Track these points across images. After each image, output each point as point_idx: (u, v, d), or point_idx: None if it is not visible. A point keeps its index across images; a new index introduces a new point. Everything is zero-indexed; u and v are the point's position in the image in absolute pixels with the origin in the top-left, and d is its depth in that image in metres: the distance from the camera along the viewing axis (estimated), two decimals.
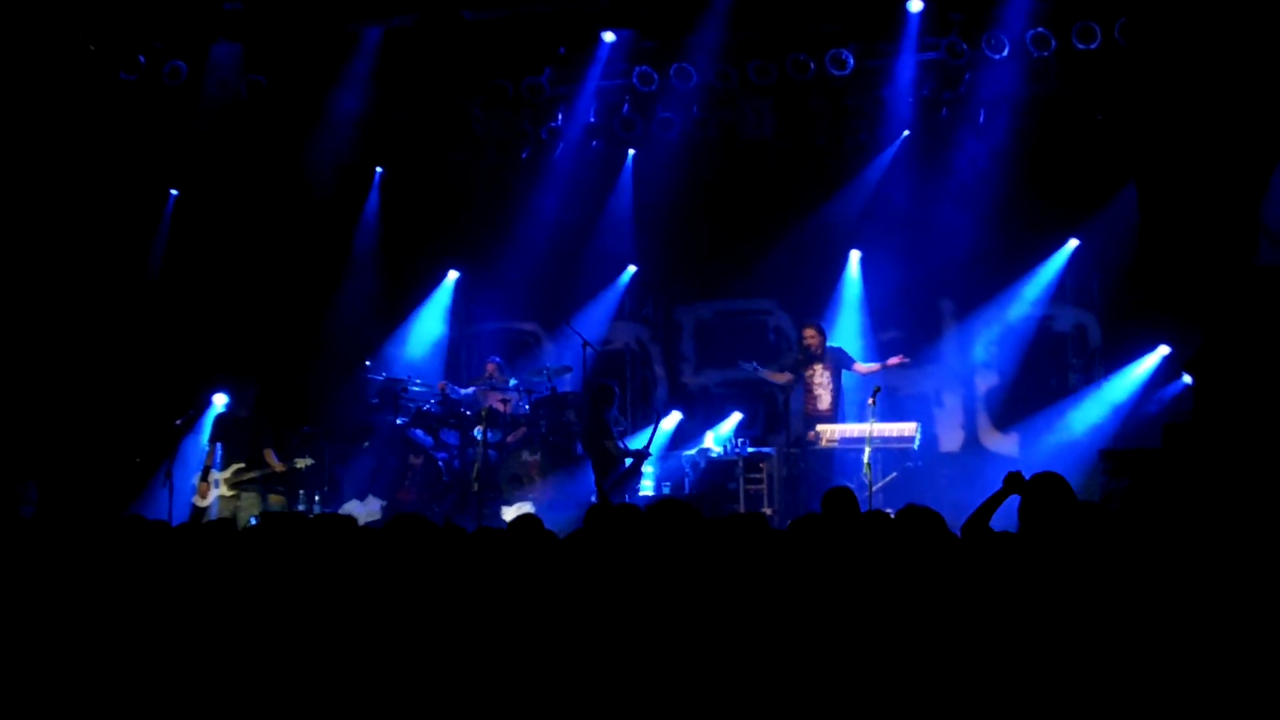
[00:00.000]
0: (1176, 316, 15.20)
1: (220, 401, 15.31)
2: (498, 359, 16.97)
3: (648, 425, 15.87)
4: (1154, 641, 5.17)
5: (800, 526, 6.85)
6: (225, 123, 17.30)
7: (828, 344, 15.55)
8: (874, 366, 15.57)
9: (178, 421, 14.98)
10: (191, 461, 14.86)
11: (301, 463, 14.43)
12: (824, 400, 15.39)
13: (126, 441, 16.07)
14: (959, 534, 6.78)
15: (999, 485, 7.22)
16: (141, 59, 16.69)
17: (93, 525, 7.73)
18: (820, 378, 15.44)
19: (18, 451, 15.83)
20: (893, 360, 15.27)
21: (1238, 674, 5.04)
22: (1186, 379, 15.36)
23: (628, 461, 14.82)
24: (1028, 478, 6.85)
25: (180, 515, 13.77)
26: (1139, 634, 5.21)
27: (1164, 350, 15.61)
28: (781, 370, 15.94)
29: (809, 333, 15.57)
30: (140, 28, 16.42)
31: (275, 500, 14.52)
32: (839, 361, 15.51)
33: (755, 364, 15.81)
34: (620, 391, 16.31)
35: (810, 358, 15.48)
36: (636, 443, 15.39)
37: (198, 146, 17.43)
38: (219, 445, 14.38)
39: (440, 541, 6.54)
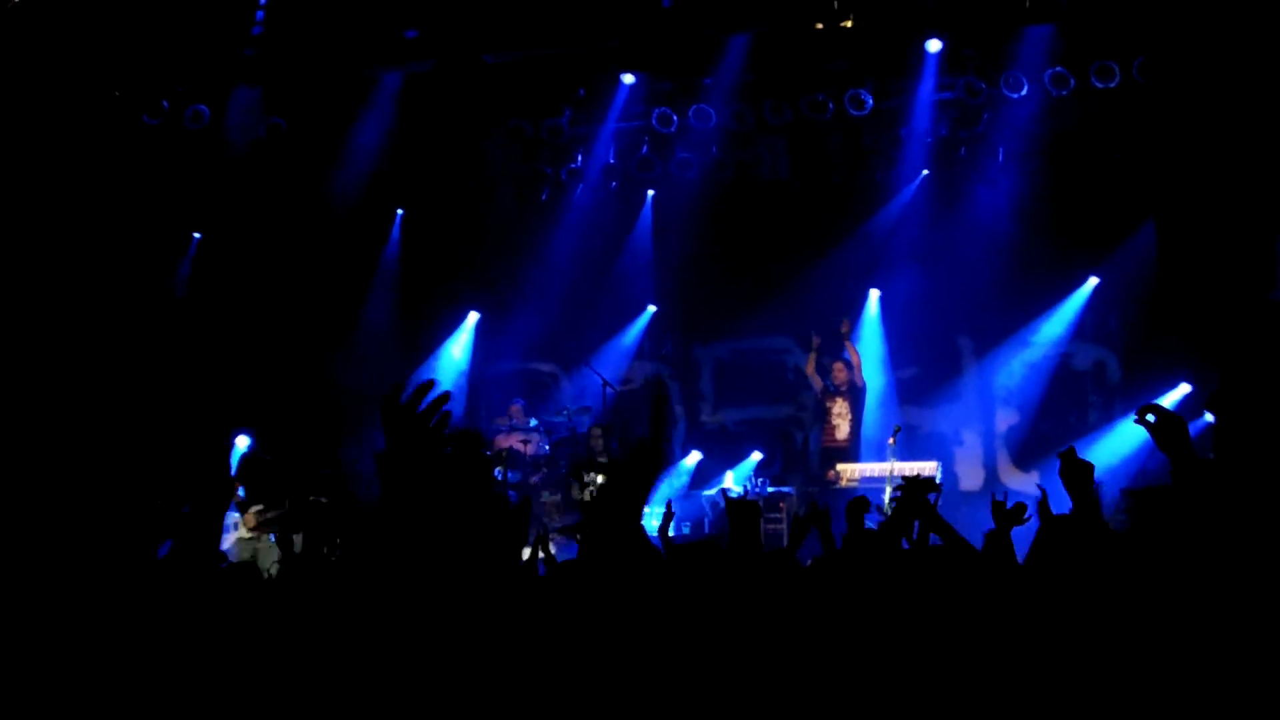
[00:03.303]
0: (1196, 353, 15.19)
1: (243, 444, 15.34)
2: (521, 401, 17.00)
3: (668, 465, 15.90)
4: (1177, 679, 5.15)
5: (822, 564, 6.85)
6: (246, 166, 17.39)
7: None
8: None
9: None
10: None
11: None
12: (842, 430, 15.44)
13: (149, 483, 16.09)
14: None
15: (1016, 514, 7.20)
16: (165, 104, 16.78)
17: (117, 566, 7.73)
18: (839, 408, 15.50)
19: (44, 502, 15.82)
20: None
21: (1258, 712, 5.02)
22: (1209, 417, 15.33)
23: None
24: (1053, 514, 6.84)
25: None
26: (1162, 670, 5.20)
27: (1185, 388, 15.57)
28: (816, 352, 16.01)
29: (838, 366, 15.66)
30: (163, 73, 16.52)
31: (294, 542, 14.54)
32: (856, 396, 15.61)
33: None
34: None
35: (834, 390, 15.57)
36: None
37: (219, 189, 17.50)
38: (240, 488, 14.40)
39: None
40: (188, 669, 6.07)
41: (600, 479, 14.93)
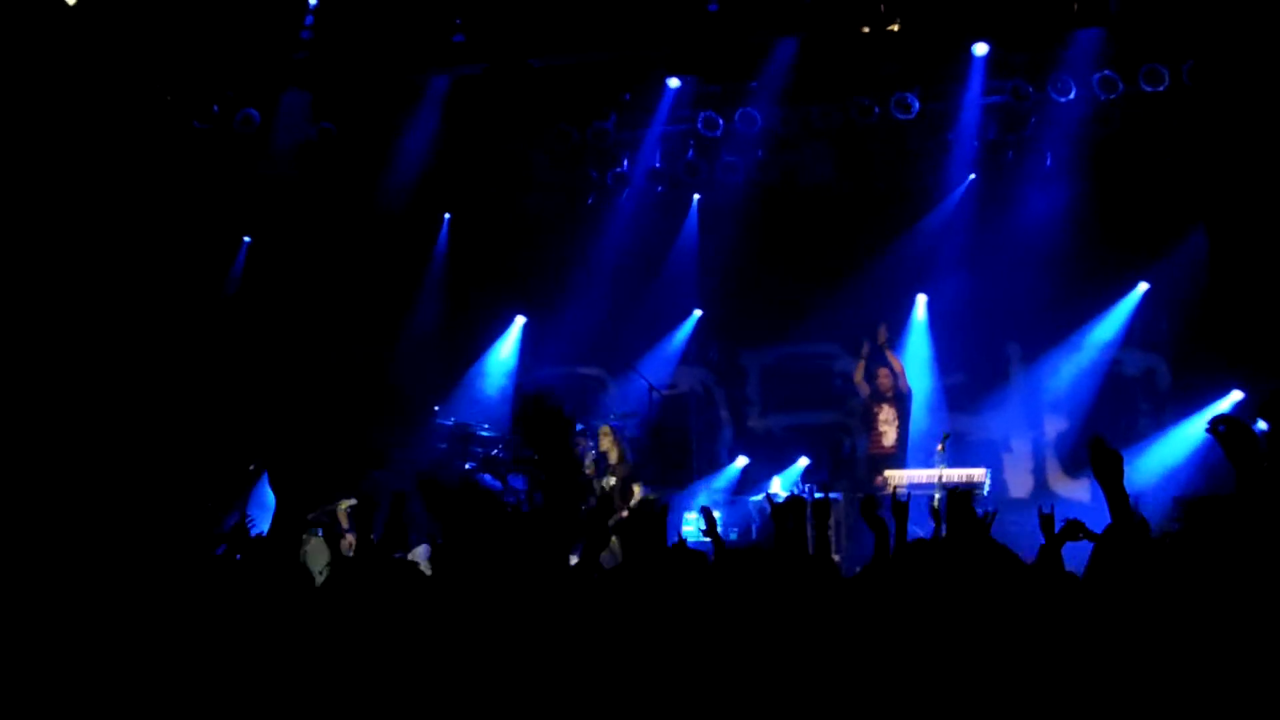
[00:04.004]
0: (1248, 360, 15.08)
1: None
2: (568, 406, 16.98)
3: (714, 470, 15.99)
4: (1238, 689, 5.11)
5: (870, 573, 6.82)
6: (295, 170, 17.46)
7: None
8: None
9: (251, 466, 15.07)
10: (263, 505, 14.93)
11: (345, 504, 14.47)
12: (889, 437, 15.44)
13: (201, 486, 16.14)
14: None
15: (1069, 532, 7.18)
16: (215, 108, 16.88)
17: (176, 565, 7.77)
18: (886, 414, 15.52)
19: (101, 501, 15.93)
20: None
21: None
22: (1262, 424, 15.19)
23: None
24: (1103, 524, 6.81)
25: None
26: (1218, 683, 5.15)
27: (1237, 395, 15.46)
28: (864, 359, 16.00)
29: (882, 373, 15.66)
30: (213, 77, 16.62)
31: (345, 544, 14.59)
32: (904, 403, 15.61)
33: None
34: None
35: (879, 397, 15.56)
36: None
37: (268, 193, 17.58)
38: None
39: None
40: (238, 667, 6.11)
41: (611, 481, 14.92)
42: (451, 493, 7.44)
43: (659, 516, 7.77)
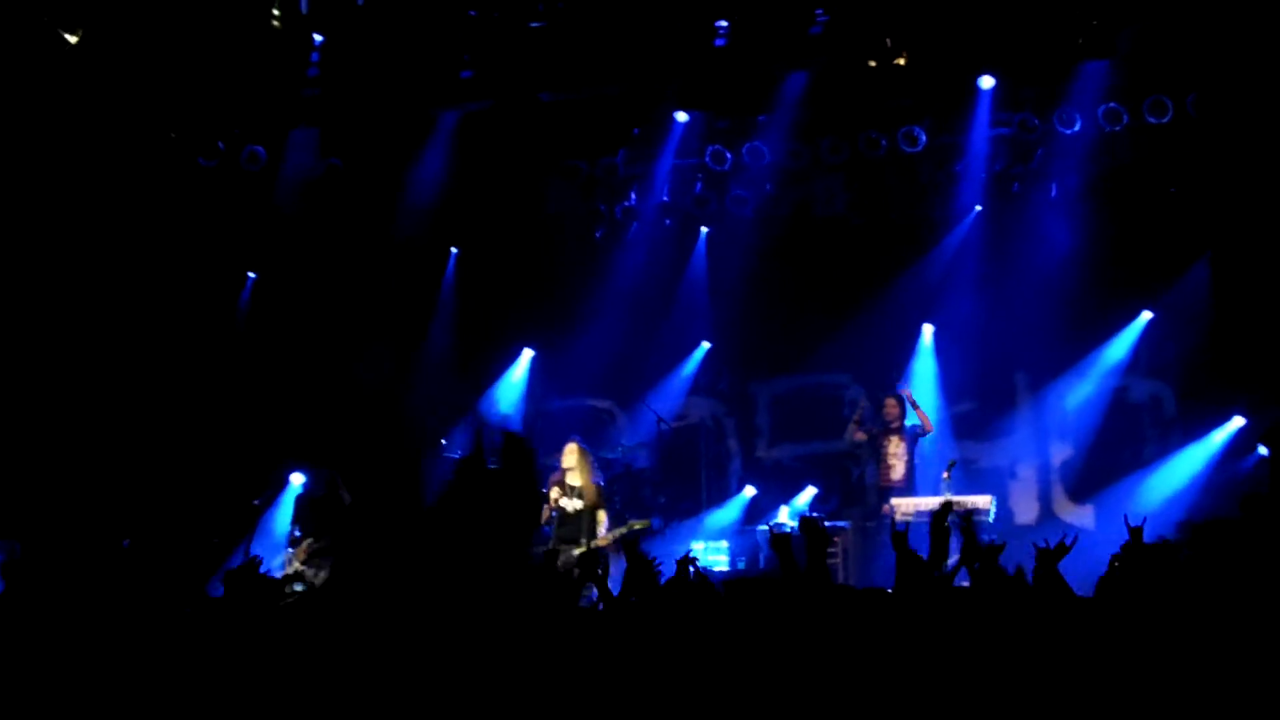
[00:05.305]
0: (1251, 387, 15.16)
1: (298, 481, 15.48)
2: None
3: (723, 500, 16.07)
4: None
5: (873, 597, 6.90)
6: (302, 206, 17.49)
7: (906, 423, 15.64)
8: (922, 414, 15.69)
9: (256, 501, 15.15)
10: (270, 541, 15.00)
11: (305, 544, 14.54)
12: (898, 470, 15.46)
13: (206, 521, 16.22)
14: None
15: (1076, 558, 7.26)
16: (220, 145, 16.94)
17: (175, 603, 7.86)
18: (895, 449, 15.52)
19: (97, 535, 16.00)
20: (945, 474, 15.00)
21: None
22: (1263, 450, 15.27)
23: None
24: (1109, 550, 6.91)
25: None
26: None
27: (1239, 421, 15.53)
28: (858, 423, 15.99)
29: (890, 402, 15.70)
30: (220, 114, 16.70)
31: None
32: (913, 435, 15.61)
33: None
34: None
35: (888, 429, 15.58)
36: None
37: (275, 229, 17.62)
38: (297, 526, 14.57)
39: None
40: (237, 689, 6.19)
41: (578, 504, 14.38)
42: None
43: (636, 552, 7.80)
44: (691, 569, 7.38)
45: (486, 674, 6.04)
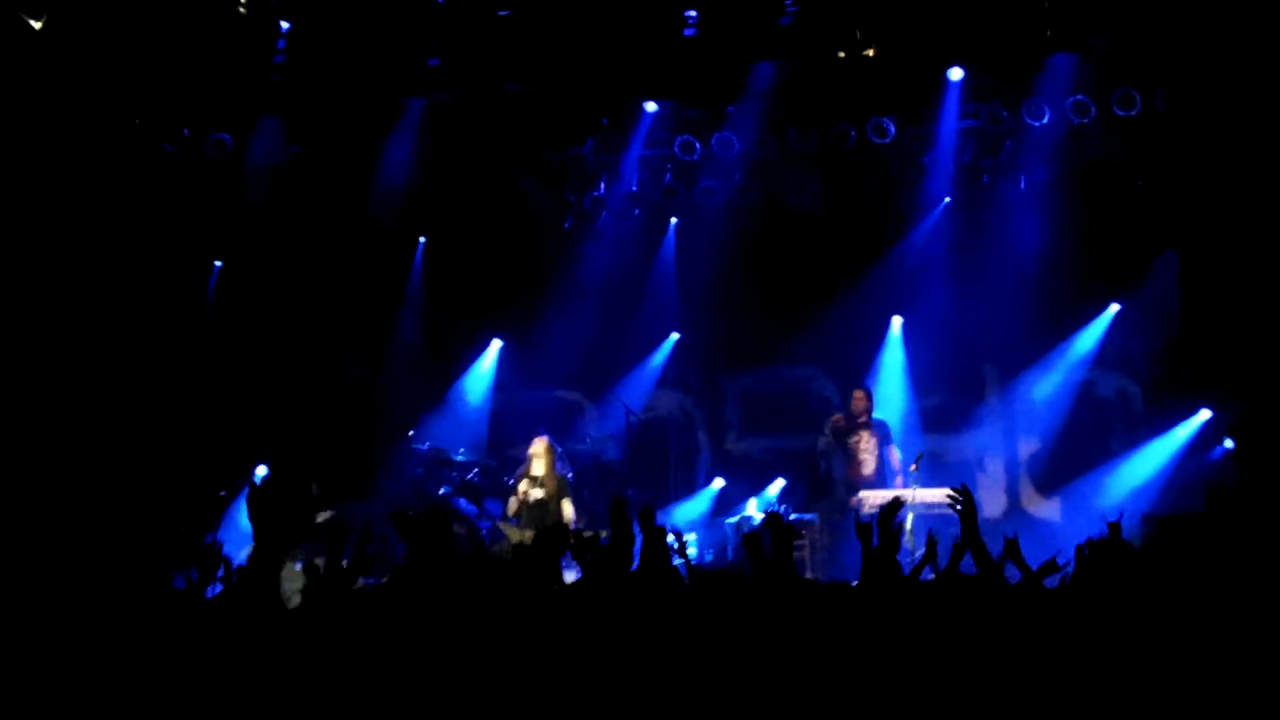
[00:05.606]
0: (1218, 381, 15.21)
1: (262, 473, 15.40)
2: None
3: (690, 493, 16.03)
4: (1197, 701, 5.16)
5: (837, 590, 6.87)
6: (268, 194, 17.37)
7: (874, 416, 15.57)
8: (898, 460, 15.50)
9: (222, 493, 15.05)
10: (235, 532, 14.89)
11: (322, 516, 14.44)
12: (868, 466, 15.41)
13: (171, 512, 16.10)
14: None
15: (1042, 550, 7.26)
16: (186, 132, 16.81)
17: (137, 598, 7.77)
18: (866, 444, 15.46)
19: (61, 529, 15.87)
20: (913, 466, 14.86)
21: None
22: (1229, 443, 15.33)
23: None
24: (1074, 543, 6.88)
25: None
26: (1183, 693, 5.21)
27: (1205, 414, 15.58)
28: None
29: (858, 395, 15.60)
30: (185, 101, 16.58)
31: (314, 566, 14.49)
32: (883, 434, 15.55)
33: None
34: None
35: (855, 423, 15.52)
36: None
37: (241, 217, 17.48)
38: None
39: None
40: (205, 691, 6.11)
41: (539, 494, 14.68)
42: (421, 522, 7.47)
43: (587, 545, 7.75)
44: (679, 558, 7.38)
45: (444, 659, 5.99)
